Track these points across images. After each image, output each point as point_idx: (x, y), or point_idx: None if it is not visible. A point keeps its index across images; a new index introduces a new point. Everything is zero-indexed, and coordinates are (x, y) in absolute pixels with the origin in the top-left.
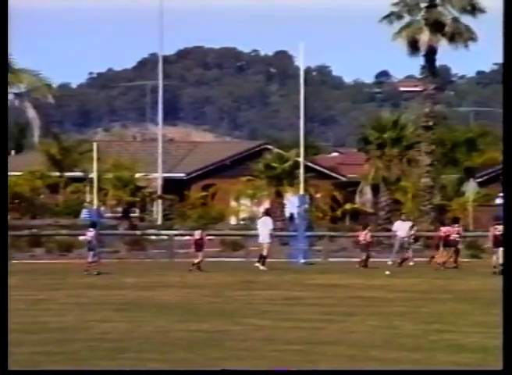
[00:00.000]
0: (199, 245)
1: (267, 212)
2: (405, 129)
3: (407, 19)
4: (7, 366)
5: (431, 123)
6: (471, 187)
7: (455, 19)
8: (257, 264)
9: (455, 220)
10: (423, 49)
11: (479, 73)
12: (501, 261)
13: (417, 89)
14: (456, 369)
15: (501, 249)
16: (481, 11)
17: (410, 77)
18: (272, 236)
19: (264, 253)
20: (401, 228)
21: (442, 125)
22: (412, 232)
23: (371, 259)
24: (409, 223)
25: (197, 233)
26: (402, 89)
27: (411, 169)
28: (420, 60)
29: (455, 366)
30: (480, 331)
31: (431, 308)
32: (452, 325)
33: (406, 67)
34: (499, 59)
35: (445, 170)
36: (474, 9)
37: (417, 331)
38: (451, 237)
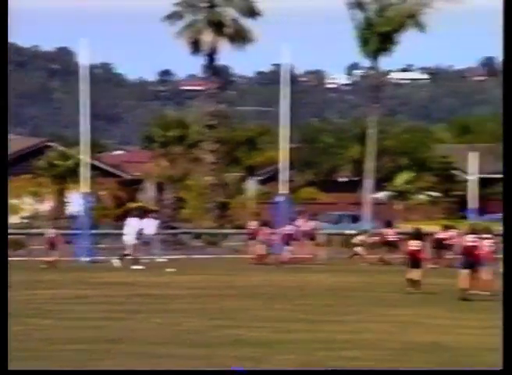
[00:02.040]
0: (52, 244)
1: (135, 215)
2: (189, 127)
3: (188, 18)
4: (7, 366)
5: (214, 122)
6: (251, 185)
7: (235, 21)
8: (133, 267)
9: (388, 223)
10: (205, 49)
11: (259, 73)
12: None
13: (200, 88)
14: (457, 369)
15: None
16: (259, 14)
17: (193, 76)
18: (137, 236)
19: (128, 251)
20: (148, 226)
21: (224, 124)
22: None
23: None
24: (156, 222)
25: (52, 232)
26: (185, 88)
27: (195, 168)
28: (202, 59)
29: (237, 361)
30: (262, 326)
31: (214, 304)
32: (234, 320)
33: (189, 66)
34: (277, 60)
35: (228, 169)
36: (252, 12)
37: (200, 327)
38: (389, 238)
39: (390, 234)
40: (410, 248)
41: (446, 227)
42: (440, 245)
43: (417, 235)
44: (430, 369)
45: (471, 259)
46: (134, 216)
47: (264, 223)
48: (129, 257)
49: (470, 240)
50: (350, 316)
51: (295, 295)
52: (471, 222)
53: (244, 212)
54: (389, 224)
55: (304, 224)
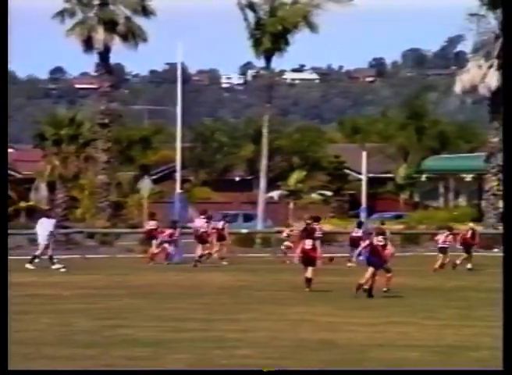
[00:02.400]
0: None
1: (47, 214)
2: (81, 126)
3: (79, 16)
4: (7, 366)
5: (107, 121)
6: (145, 184)
7: (127, 19)
8: (27, 265)
9: (316, 219)
10: (97, 47)
11: (152, 72)
12: (153, 251)
13: (92, 86)
14: (457, 369)
15: (155, 242)
16: (152, 12)
17: (85, 74)
18: (50, 237)
19: (50, 252)
20: (47, 224)
21: (118, 123)
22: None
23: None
24: (53, 221)
25: None
26: (77, 86)
27: (88, 167)
28: (95, 58)
29: (129, 361)
30: (153, 325)
31: (106, 304)
32: (126, 320)
33: (81, 64)
34: (170, 59)
35: (121, 168)
36: (145, 10)
37: (92, 327)
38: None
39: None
40: (304, 246)
41: (360, 224)
42: (356, 243)
43: (310, 234)
44: (430, 370)
45: (379, 259)
46: (45, 216)
47: (173, 222)
48: (54, 257)
49: (379, 240)
50: (243, 315)
51: (189, 294)
52: (367, 221)
53: (138, 212)
54: (317, 220)
55: (210, 224)
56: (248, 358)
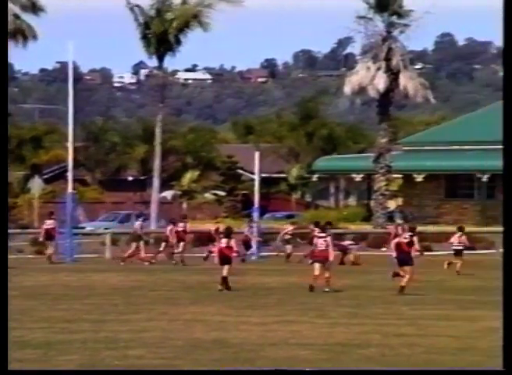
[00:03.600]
0: None
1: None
2: None
3: None
4: (7, 366)
5: None
6: (36, 184)
7: (16, 16)
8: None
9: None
10: None
11: (42, 70)
12: (51, 251)
13: None
14: (456, 369)
15: (53, 242)
16: (42, 10)
17: None
18: None
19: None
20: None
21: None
22: None
23: None
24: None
25: None
26: None
27: None
28: None
29: (19, 363)
30: (44, 327)
31: None
32: (17, 322)
33: None
34: (62, 58)
35: (11, 167)
36: (34, 7)
37: None
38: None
39: (290, 230)
40: (221, 245)
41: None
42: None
43: (228, 233)
44: (430, 370)
45: (324, 257)
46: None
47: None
48: None
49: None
50: (136, 315)
51: (81, 295)
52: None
53: (29, 212)
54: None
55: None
56: (141, 359)
